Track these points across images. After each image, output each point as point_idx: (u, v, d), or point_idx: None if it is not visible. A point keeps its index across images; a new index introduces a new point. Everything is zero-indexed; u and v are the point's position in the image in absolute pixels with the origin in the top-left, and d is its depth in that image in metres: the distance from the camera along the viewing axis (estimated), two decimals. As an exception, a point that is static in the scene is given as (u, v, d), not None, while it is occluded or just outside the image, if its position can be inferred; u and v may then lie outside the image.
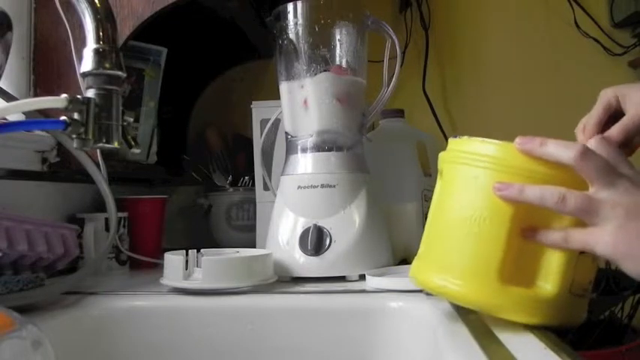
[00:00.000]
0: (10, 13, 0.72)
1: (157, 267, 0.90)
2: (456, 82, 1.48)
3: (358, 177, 0.84)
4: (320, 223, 0.80)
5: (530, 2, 1.48)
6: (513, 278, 0.48)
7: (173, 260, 0.73)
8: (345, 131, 0.84)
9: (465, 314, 0.53)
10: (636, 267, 0.46)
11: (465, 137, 0.53)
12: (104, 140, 0.54)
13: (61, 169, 0.88)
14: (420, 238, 0.57)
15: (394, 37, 0.88)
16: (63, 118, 0.52)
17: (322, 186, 0.81)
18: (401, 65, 0.89)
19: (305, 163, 0.84)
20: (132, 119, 0.57)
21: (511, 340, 0.46)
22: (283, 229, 0.82)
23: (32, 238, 0.69)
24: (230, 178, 1.23)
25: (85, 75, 0.54)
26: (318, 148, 0.84)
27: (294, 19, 0.86)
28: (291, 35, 0.86)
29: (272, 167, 1.00)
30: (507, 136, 0.51)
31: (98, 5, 0.54)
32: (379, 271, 0.77)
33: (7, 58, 0.75)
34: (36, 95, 0.89)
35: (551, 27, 1.46)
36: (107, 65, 0.54)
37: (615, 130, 0.56)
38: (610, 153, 0.48)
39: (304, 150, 0.85)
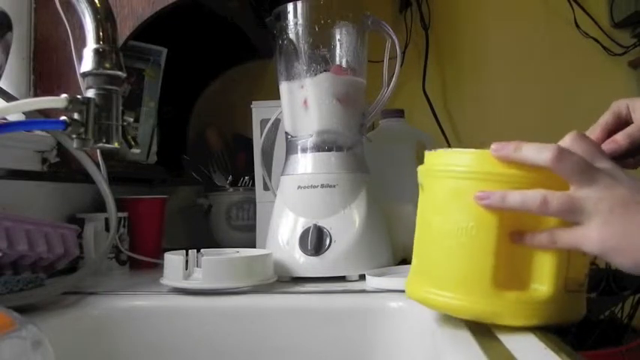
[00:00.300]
0: (10, 13, 0.72)
1: (157, 267, 0.90)
2: (456, 82, 1.48)
3: (358, 177, 0.84)
4: (320, 223, 0.80)
5: (530, 2, 1.48)
6: (507, 283, 0.48)
7: (173, 260, 0.73)
8: (345, 131, 0.84)
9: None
10: (626, 260, 0.46)
11: (441, 150, 0.53)
12: (104, 140, 0.54)
13: (61, 169, 0.88)
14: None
15: (394, 37, 0.88)
16: (63, 118, 0.52)
17: (322, 186, 0.81)
18: (401, 65, 0.89)
19: (305, 163, 0.84)
20: (132, 119, 0.57)
21: (511, 340, 0.46)
22: (283, 229, 0.82)
23: (32, 238, 0.69)
24: (230, 178, 1.23)
25: (85, 75, 0.54)
26: (318, 148, 0.84)
27: (294, 19, 0.86)
28: (291, 35, 0.86)
29: (272, 167, 1.00)
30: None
31: (98, 5, 0.54)
32: (379, 271, 0.77)
33: (7, 58, 0.74)
34: (36, 95, 0.89)
35: (551, 27, 1.46)
36: (107, 65, 0.54)
37: (620, 136, 0.56)
38: (586, 148, 0.48)
39: (304, 150, 0.85)
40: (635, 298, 1.21)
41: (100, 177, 0.81)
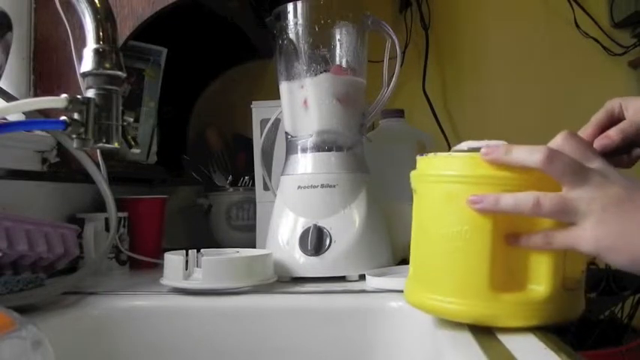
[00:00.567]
0: (10, 13, 0.72)
1: (157, 267, 0.90)
2: (456, 82, 1.48)
3: (358, 177, 0.84)
4: (320, 223, 0.80)
5: (530, 2, 1.48)
6: (505, 285, 0.48)
7: (173, 260, 0.73)
8: (345, 131, 0.84)
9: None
10: (621, 258, 0.46)
11: (432, 154, 0.53)
12: (104, 140, 0.54)
13: (61, 169, 0.88)
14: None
15: (394, 37, 0.88)
16: (63, 118, 0.52)
17: (322, 186, 0.81)
18: (401, 65, 0.89)
19: (305, 163, 0.84)
20: (132, 119, 0.57)
21: (511, 340, 0.46)
22: (283, 229, 0.82)
23: (32, 238, 0.69)
24: (230, 178, 1.23)
25: (85, 75, 0.54)
26: (318, 148, 0.84)
27: (294, 19, 0.86)
28: (291, 35, 0.86)
29: (272, 167, 1.00)
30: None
31: (98, 5, 0.54)
32: (379, 271, 0.77)
33: (7, 58, 0.74)
34: (36, 95, 0.89)
35: (551, 27, 1.46)
36: (107, 65, 0.54)
37: (613, 132, 0.57)
38: (577, 147, 0.48)
39: (304, 150, 0.85)
40: (635, 298, 1.21)
41: (100, 177, 0.81)
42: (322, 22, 0.86)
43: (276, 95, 0.91)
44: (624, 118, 0.58)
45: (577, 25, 1.43)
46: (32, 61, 0.90)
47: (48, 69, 0.90)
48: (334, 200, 0.81)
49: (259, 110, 1.03)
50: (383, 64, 0.88)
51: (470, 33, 1.48)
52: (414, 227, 0.55)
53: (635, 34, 1.42)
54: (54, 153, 0.87)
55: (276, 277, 0.76)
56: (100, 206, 0.86)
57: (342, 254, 0.79)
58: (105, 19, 0.55)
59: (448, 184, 0.50)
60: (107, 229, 0.89)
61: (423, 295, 0.52)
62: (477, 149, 0.49)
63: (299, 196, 0.82)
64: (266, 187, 1.02)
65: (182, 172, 1.29)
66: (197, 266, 0.73)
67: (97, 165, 0.83)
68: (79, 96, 0.53)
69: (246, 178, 1.21)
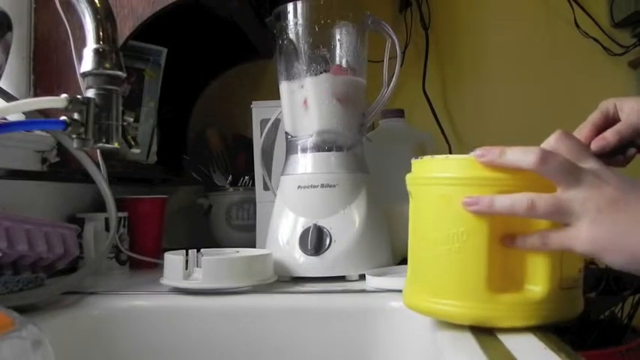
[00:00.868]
0: (10, 13, 0.72)
1: (157, 267, 0.90)
2: (456, 82, 1.48)
3: (358, 177, 0.84)
4: (320, 223, 0.80)
5: (530, 2, 1.48)
6: (503, 286, 0.48)
7: (173, 260, 0.73)
8: (345, 131, 0.84)
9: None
10: (617, 258, 0.46)
11: (427, 157, 0.53)
12: (104, 140, 0.54)
13: (61, 169, 0.88)
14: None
15: (394, 37, 0.88)
16: (63, 118, 0.52)
17: (322, 186, 0.81)
18: (401, 65, 0.89)
19: (305, 163, 0.84)
20: (132, 119, 0.57)
21: (511, 340, 0.46)
22: (283, 229, 0.82)
23: (32, 238, 0.69)
24: (230, 178, 1.23)
25: (85, 75, 0.54)
26: (318, 148, 0.84)
27: (294, 19, 0.86)
28: (291, 35, 0.86)
29: (272, 167, 1.00)
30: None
31: (98, 5, 0.54)
32: (379, 271, 0.77)
33: (7, 58, 0.75)
34: (36, 95, 0.89)
35: (551, 27, 1.46)
36: (107, 65, 0.54)
37: (609, 133, 0.57)
38: (571, 147, 0.48)
39: (304, 150, 0.85)
40: (635, 298, 1.21)
41: (100, 177, 0.81)
42: (322, 22, 0.86)
43: (276, 95, 0.91)
44: (619, 118, 0.58)
45: (577, 25, 1.43)
46: (32, 61, 0.90)
47: (48, 69, 0.90)
48: (334, 200, 0.81)
49: (259, 110, 1.03)
50: (383, 64, 0.88)
51: (470, 33, 1.48)
52: (410, 230, 0.55)
53: (635, 34, 1.42)
54: (54, 153, 0.87)
55: (276, 276, 0.76)
56: (100, 206, 0.86)
57: (342, 254, 0.79)
58: (105, 19, 0.55)
59: (443, 187, 0.51)
60: (107, 229, 0.89)
61: (421, 297, 0.53)
62: None
63: (299, 196, 0.82)
64: (266, 187, 1.02)
65: (182, 172, 1.29)
66: (197, 266, 0.73)
67: (97, 165, 0.83)
68: (79, 96, 0.53)
69: (246, 178, 1.21)
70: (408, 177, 0.55)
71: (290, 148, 0.87)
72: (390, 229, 0.86)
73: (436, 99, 1.46)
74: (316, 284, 0.76)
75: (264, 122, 1.01)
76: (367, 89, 0.89)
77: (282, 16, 0.87)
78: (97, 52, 0.54)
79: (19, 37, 0.88)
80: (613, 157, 0.59)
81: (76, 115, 0.52)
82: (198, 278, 0.71)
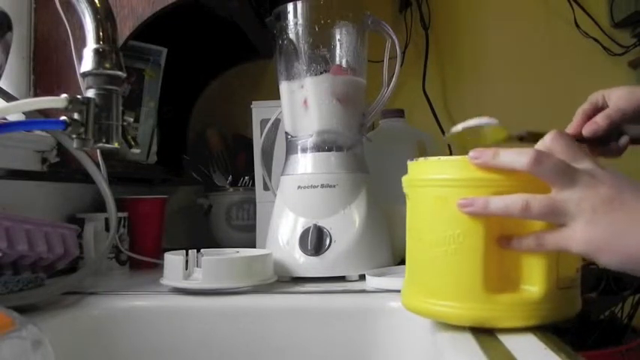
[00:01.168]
0: (10, 13, 0.72)
1: (157, 267, 0.90)
2: (456, 82, 1.48)
3: (358, 177, 0.84)
4: (320, 223, 0.80)
5: (530, 2, 1.48)
6: (500, 287, 0.48)
7: (173, 260, 0.73)
8: (345, 131, 0.84)
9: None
10: (612, 258, 0.45)
11: (421, 159, 0.53)
12: (104, 140, 0.54)
13: (61, 169, 0.88)
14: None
15: (394, 37, 0.88)
16: (63, 118, 0.52)
17: (322, 186, 0.81)
18: (401, 65, 0.89)
19: (305, 163, 0.84)
20: (132, 119, 0.57)
21: (511, 340, 0.46)
22: (283, 229, 0.82)
23: (32, 238, 0.69)
24: (230, 178, 1.23)
25: (85, 75, 0.54)
26: (318, 148, 0.84)
27: (294, 19, 0.86)
28: (291, 35, 0.86)
29: (272, 167, 1.00)
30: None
31: (98, 5, 0.54)
32: (379, 271, 0.77)
33: (7, 58, 0.74)
34: (36, 95, 0.89)
35: (551, 27, 1.46)
36: (107, 65, 0.54)
37: (599, 117, 0.60)
38: (566, 147, 0.48)
39: (304, 150, 0.85)
40: (635, 298, 1.21)
41: (100, 177, 0.81)
42: (322, 22, 0.86)
43: (276, 95, 0.91)
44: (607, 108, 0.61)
45: (577, 25, 1.43)
46: (32, 61, 0.90)
47: (48, 69, 0.90)
48: (334, 200, 0.81)
49: (259, 110, 1.03)
50: (383, 64, 0.88)
51: (470, 33, 1.48)
52: (407, 232, 0.55)
53: (635, 34, 1.42)
54: (54, 153, 0.87)
55: (276, 277, 0.76)
56: (100, 206, 0.86)
57: (342, 254, 0.79)
58: (105, 19, 0.55)
59: (438, 188, 0.51)
60: (107, 229, 0.89)
61: (419, 299, 0.53)
62: (472, 127, 0.50)
63: (299, 196, 0.82)
64: (266, 187, 1.02)
65: (182, 172, 1.29)
66: (197, 266, 0.73)
67: (97, 165, 0.83)
68: (79, 96, 0.53)
69: (246, 178, 1.21)
70: (404, 179, 0.55)
71: (290, 148, 0.87)
72: (390, 229, 0.86)
73: (436, 99, 1.46)
74: (316, 284, 0.76)
75: (264, 122, 1.01)
76: (367, 89, 0.89)
77: (282, 16, 0.87)
78: (97, 52, 0.54)
79: (19, 37, 0.88)
80: (607, 145, 0.61)
81: (76, 115, 0.52)
82: (198, 278, 0.71)
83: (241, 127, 1.24)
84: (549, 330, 0.48)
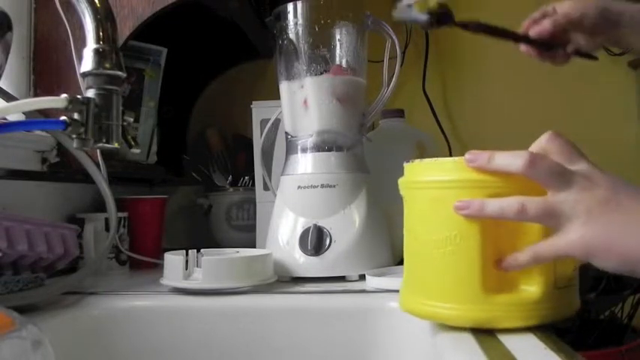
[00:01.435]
0: (10, 13, 0.72)
1: (157, 267, 0.90)
2: (456, 82, 1.48)
3: (358, 177, 0.84)
4: (320, 223, 0.80)
5: (531, 2, 1.47)
6: (498, 287, 0.48)
7: (173, 260, 0.73)
8: (345, 131, 0.84)
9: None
10: (610, 260, 0.45)
11: (417, 161, 0.53)
12: (104, 140, 0.54)
13: (61, 169, 0.88)
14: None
15: (394, 37, 0.88)
16: (63, 118, 0.52)
17: (322, 186, 0.81)
18: (401, 65, 0.89)
19: (305, 163, 0.84)
20: (132, 119, 0.57)
21: (511, 340, 0.46)
22: (283, 229, 0.82)
23: (32, 238, 0.69)
24: (230, 178, 1.23)
25: (85, 75, 0.54)
26: (318, 148, 0.84)
27: (294, 19, 0.86)
28: (291, 35, 0.86)
29: (272, 167, 1.00)
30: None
31: (98, 5, 0.54)
32: (379, 271, 0.77)
33: (7, 58, 0.74)
34: (36, 95, 0.89)
35: (551, 27, 1.46)
36: (107, 65, 0.54)
37: (546, 20, 0.71)
38: (561, 148, 0.48)
39: (304, 150, 0.85)
40: (635, 298, 1.21)
41: (100, 177, 0.81)
42: (322, 22, 0.86)
43: (276, 95, 0.91)
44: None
45: (577, 25, 1.43)
46: (32, 60, 0.90)
47: (48, 69, 0.90)
48: (334, 200, 0.81)
49: (259, 110, 1.03)
50: (383, 64, 0.88)
51: (470, 33, 1.48)
52: (405, 234, 0.55)
53: (635, 34, 1.42)
54: (54, 153, 0.87)
55: (276, 277, 0.76)
56: (100, 206, 0.86)
57: (342, 254, 0.79)
58: (105, 19, 0.55)
59: (434, 190, 0.51)
60: (107, 229, 0.89)
61: (417, 301, 0.53)
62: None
63: (299, 196, 0.82)
64: (266, 187, 1.02)
65: (182, 172, 1.29)
66: (197, 266, 0.73)
67: (97, 165, 0.83)
68: (79, 96, 0.52)
69: (246, 178, 1.21)
70: (400, 181, 0.55)
71: (290, 148, 0.87)
72: (390, 229, 0.86)
73: (436, 99, 1.46)
74: (316, 284, 0.76)
75: (264, 122, 1.01)
76: (367, 89, 0.89)
77: (282, 16, 0.87)
78: (97, 52, 0.54)
79: (19, 37, 0.88)
80: (554, 49, 0.73)
81: (76, 115, 0.52)
82: (198, 278, 0.71)
83: (241, 127, 1.24)
84: (549, 330, 0.48)
